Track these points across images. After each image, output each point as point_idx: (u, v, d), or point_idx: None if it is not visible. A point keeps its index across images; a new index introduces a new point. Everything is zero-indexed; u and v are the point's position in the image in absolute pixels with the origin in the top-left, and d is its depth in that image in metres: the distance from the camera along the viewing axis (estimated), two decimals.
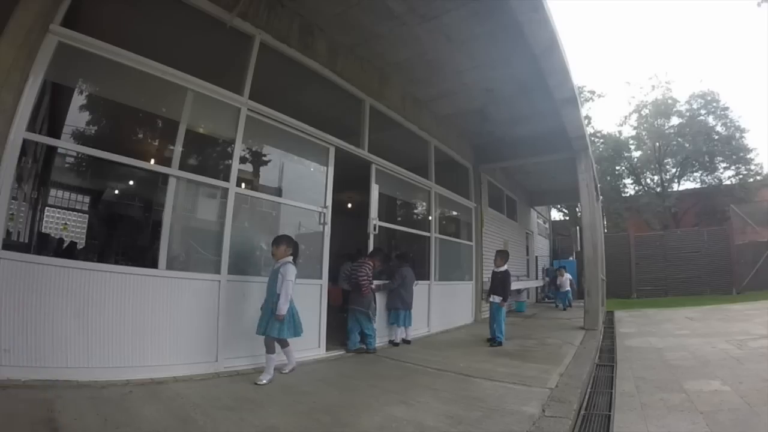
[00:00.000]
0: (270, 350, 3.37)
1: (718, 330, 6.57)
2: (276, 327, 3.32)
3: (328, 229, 4.68)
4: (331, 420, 2.51)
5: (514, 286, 9.21)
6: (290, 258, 3.53)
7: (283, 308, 3.30)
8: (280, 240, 3.56)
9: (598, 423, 2.86)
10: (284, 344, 3.49)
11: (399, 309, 5.32)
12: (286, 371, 3.56)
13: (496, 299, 5.52)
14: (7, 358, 2.52)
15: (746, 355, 4.65)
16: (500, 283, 5.60)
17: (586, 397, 3.44)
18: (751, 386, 3.48)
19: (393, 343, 5.29)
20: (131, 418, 2.30)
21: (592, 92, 20.56)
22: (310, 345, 4.35)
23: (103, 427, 2.16)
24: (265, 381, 3.22)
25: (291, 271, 3.41)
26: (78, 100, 5.66)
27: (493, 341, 5.41)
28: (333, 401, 2.91)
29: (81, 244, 9.46)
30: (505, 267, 5.68)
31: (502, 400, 2.94)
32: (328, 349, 4.53)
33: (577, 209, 16.02)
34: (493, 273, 5.74)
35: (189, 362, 3.28)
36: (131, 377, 2.93)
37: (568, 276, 11.05)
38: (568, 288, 10.90)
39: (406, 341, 5.37)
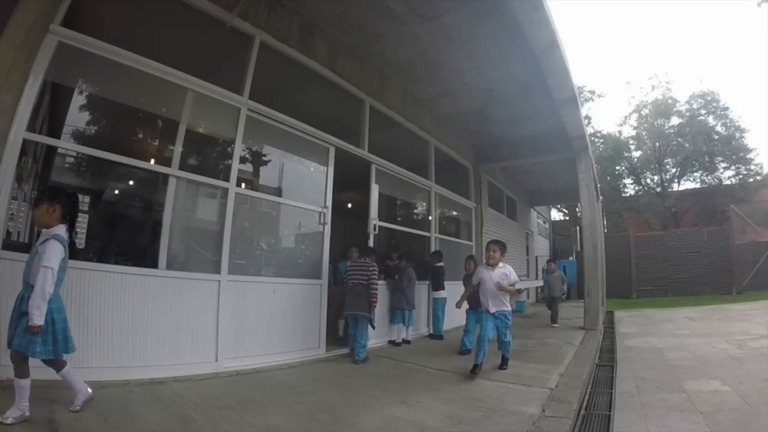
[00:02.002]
0: (19, 373, 2.05)
1: (718, 330, 6.56)
2: (25, 339, 2.04)
3: (328, 229, 4.68)
4: (331, 420, 2.51)
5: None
6: (61, 228, 2.20)
7: (37, 315, 2.00)
8: (41, 196, 2.31)
9: (598, 423, 2.86)
10: (58, 365, 2.22)
11: (404, 309, 5.35)
12: (77, 407, 2.23)
13: (442, 294, 5.89)
14: (7, 358, 2.51)
15: (746, 355, 4.64)
16: (440, 278, 5.96)
17: (586, 397, 3.44)
18: (751, 386, 3.48)
19: (393, 343, 5.29)
20: (131, 418, 2.30)
21: (592, 92, 20.56)
22: (310, 345, 4.37)
23: (103, 427, 2.16)
24: (10, 419, 1.97)
25: (55, 250, 2.08)
26: (78, 100, 5.65)
27: (438, 336, 5.80)
28: (333, 401, 2.91)
29: (81, 243, 9.43)
30: (442, 264, 6.06)
31: (501, 400, 2.94)
32: (327, 349, 4.53)
33: (577, 209, 16.00)
34: (433, 269, 6.05)
35: (189, 362, 3.28)
36: (131, 377, 2.93)
37: (560, 272, 7.85)
38: (558, 294, 7.69)
39: (406, 341, 5.38)
